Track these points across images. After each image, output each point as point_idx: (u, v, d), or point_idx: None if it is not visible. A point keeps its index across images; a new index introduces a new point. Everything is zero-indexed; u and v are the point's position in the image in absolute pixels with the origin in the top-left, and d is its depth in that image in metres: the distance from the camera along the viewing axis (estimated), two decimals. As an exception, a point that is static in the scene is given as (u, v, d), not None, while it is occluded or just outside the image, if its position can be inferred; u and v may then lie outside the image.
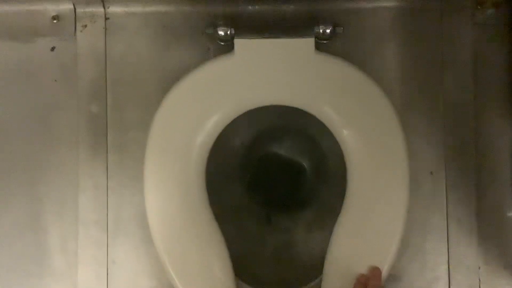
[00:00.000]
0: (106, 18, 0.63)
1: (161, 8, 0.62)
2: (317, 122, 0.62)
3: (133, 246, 0.62)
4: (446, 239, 0.62)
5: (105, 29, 0.63)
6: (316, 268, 0.61)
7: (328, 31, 0.60)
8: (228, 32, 0.59)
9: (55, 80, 0.63)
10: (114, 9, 0.63)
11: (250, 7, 0.62)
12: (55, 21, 0.63)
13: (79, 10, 0.62)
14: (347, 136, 0.59)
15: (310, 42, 0.58)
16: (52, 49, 0.63)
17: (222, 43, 0.62)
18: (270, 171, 0.74)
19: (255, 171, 0.74)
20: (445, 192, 0.62)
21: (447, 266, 0.62)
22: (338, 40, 0.62)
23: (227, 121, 0.60)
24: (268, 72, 0.59)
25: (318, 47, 0.60)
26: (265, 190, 0.73)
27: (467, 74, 0.63)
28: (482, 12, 0.64)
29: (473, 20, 0.63)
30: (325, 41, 0.62)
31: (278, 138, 0.74)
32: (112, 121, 0.62)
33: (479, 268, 0.62)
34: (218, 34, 0.59)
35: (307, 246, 0.69)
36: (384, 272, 0.56)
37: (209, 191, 0.62)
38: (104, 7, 0.62)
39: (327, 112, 0.60)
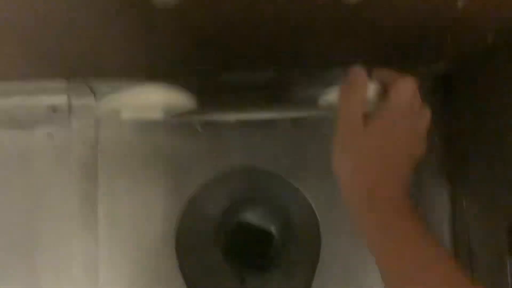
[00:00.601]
0: (97, 109, 0.72)
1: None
2: (283, 189, 0.73)
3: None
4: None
5: (96, 117, 0.72)
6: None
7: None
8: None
9: (51, 163, 0.71)
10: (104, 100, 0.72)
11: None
12: (51, 112, 0.72)
13: (74, 101, 0.72)
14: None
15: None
16: (49, 135, 0.72)
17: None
18: (243, 236, 0.84)
19: (229, 236, 0.83)
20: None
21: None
22: (301, 124, 0.73)
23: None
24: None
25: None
26: (239, 253, 0.82)
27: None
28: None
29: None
30: (289, 124, 0.73)
31: (250, 206, 0.84)
32: (102, 197, 0.71)
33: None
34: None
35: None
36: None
37: (187, 254, 0.72)
38: (95, 99, 0.72)
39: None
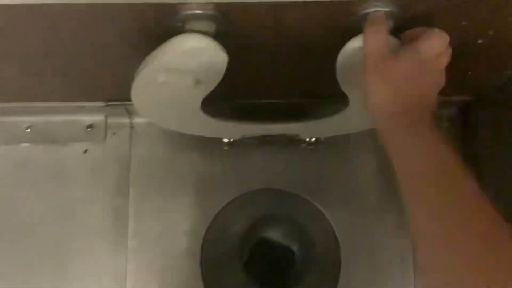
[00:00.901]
0: (131, 127, 0.76)
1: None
2: (305, 210, 0.76)
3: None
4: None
5: (130, 135, 0.76)
6: None
7: (313, 139, 0.74)
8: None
9: (86, 177, 0.75)
10: (137, 120, 0.76)
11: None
12: (88, 129, 0.76)
13: (110, 120, 0.76)
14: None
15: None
16: (85, 151, 0.76)
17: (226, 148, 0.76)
18: (265, 253, 0.86)
19: (251, 253, 0.86)
20: (414, 278, 0.74)
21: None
22: (321, 146, 0.76)
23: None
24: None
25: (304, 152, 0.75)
26: (261, 270, 0.84)
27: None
28: (440, 125, 0.78)
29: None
30: (310, 147, 0.76)
31: (272, 225, 0.86)
32: (133, 212, 0.74)
33: None
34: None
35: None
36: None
37: (210, 272, 0.75)
38: (130, 118, 0.76)
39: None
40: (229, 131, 0.68)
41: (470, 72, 0.63)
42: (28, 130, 0.76)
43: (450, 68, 0.61)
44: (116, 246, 0.74)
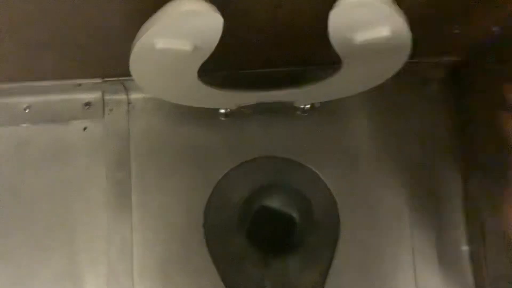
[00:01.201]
0: (129, 103, 0.78)
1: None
2: (303, 175, 0.78)
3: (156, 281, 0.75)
4: (413, 271, 0.76)
5: (128, 111, 0.77)
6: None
7: (308, 106, 0.75)
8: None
9: (87, 154, 0.77)
10: (135, 95, 0.78)
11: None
12: (86, 107, 0.77)
13: (107, 97, 0.77)
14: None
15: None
16: (84, 129, 0.78)
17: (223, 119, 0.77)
18: (265, 221, 0.89)
19: (252, 222, 0.88)
20: (410, 232, 0.76)
21: (415, 292, 0.75)
22: (316, 113, 0.77)
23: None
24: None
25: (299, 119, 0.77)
26: (262, 238, 0.87)
27: (423, 137, 0.78)
28: (429, 87, 0.80)
29: (422, 93, 0.80)
30: (305, 114, 0.78)
31: (271, 193, 0.88)
32: (135, 186, 0.76)
33: (443, 293, 0.75)
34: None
35: (301, 284, 0.82)
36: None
37: (213, 240, 0.77)
38: (127, 95, 0.77)
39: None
40: (225, 100, 0.70)
41: (457, 30, 0.65)
42: (27, 110, 0.77)
43: (437, 24, 0.63)
44: (121, 218, 0.75)
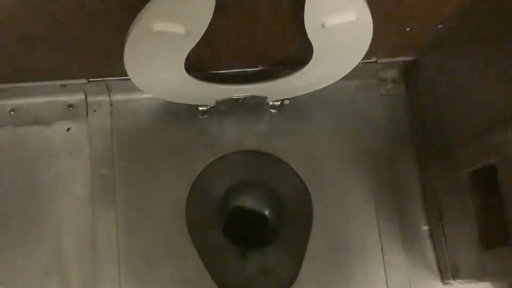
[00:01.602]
0: (111, 104, 0.83)
1: (151, 95, 0.83)
2: (276, 167, 0.84)
3: (140, 276, 0.78)
4: (380, 250, 0.82)
5: (111, 112, 0.82)
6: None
7: (278, 103, 0.83)
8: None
9: (71, 153, 0.81)
10: (116, 97, 0.83)
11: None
12: (70, 109, 0.82)
13: (90, 99, 0.82)
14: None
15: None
16: (68, 129, 0.82)
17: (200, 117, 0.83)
18: (240, 218, 0.94)
19: (227, 221, 0.93)
20: (375, 215, 0.84)
21: (383, 270, 0.82)
22: (285, 110, 0.85)
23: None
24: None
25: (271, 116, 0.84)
26: (238, 232, 0.92)
27: (381, 131, 0.87)
28: (385, 86, 0.89)
29: (379, 92, 0.89)
30: (275, 111, 0.85)
31: (245, 192, 0.94)
32: (119, 181, 0.80)
33: (408, 270, 0.82)
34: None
35: (276, 272, 0.87)
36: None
37: (195, 233, 0.81)
38: (109, 96, 0.82)
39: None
40: (206, 94, 0.76)
41: (408, 28, 0.74)
42: (12, 113, 0.81)
43: (391, 25, 0.72)
44: (106, 212, 0.79)
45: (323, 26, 0.59)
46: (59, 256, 0.78)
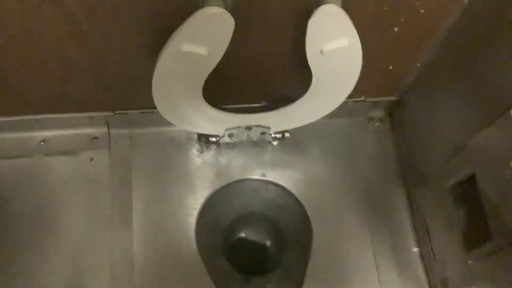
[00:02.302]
0: (131, 137, 0.92)
1: (167, 128, 0.93)
2: (279, 195, 0.93)
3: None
4: (376, 270, 0.89)
5: (130, 143, 0.92)
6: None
7: (279, 135, 0.93)
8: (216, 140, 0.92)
9: (93, 180, 0.89)
10: (136, 130, 0.93)
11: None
12: (94, 140, 0.91)
13: (112, 131, 0.92)
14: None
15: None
16: (91, 159, 0.91)
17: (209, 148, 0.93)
18: (243, 248, 1.01)
19: (231, 250, 1.00)
20: (370, 238, 0.91)
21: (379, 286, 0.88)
22: (286, 142, 0.95)
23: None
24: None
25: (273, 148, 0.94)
26: (241, 263, 0.98)
27: (372, 162, 0.97)
28: (373, 124, 1.01)
29: (368, 129, 1.00)
30: (277, 143, 0.95)
31: (247, 224, 1.02)
32: (136, 204, 0.88)
33: (401, 287, 0.89)
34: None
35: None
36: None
37: (204, 255, 0.88)
38: (129, 129, 0.92)
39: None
40: (217, 122, 0.86)
41: (391, 66, 0.87)
42: (42, 143, 0.90)
43: (377, 64, 0.84)
44: (123, 232, 0.86)
45: (321, 52, 0.71)
46: (77, 275, 0.84)
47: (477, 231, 0.76)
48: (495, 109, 0.64)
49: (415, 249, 0.92)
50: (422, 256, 0.91)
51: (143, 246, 0.86)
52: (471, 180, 0.74)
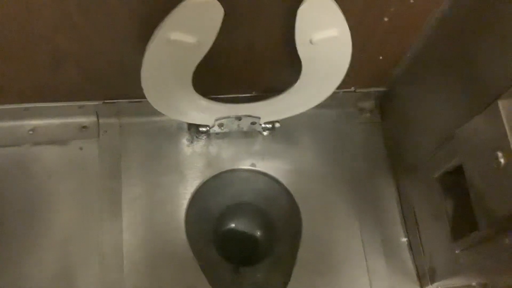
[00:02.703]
0: (120, 126, 0.92)
1: (156, 118, 0.93)
2: (269, 186, 0.93)
3: (144, 284, 0.84)
4: (364, 259, 0.90)
5: (120, 133, 0.92)
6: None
7: (270, 125, 0.93)
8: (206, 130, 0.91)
9: (82, 169, 0.89)
10: (125, 119, 0.92)
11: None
12: (84, 129, 0.91)
13: (101, 121, 0.92)
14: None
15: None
16: (80, 148, 0.90)
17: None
18: (234, 239, 1.01)
19: (222, 241, 1.00)
20: (359, 228, 0.92)
21: (368, 278, 0.88)
22: (277, 131, 0.95)
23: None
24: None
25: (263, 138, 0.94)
26: (232, 253, 0.99)
27: (361, 153, 0.97)
28: (363, 115, 1.01)
29: (358, 120, 1.00)
30: (267, 133, 0.95)
31: (238, 215, 1.02)
32: (125, 193, 0.88)
33: (390, 277, 0.89)
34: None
35: (268, 284, 0.93)
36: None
37: (194, 245, 0.88)
38: (118, 119, 0.92)
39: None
40: (207, 112, 0.86)
41: (381, 57, 0.87)
42: (31, 132, 0.90)
43: (367, 53, 0.84)
44: (112, 221, 0.86)
45: (311, 41, 0.71)
46: (66, 264, 0.84)
47: (464, 221, 0.77)
48: (483, 100, 0.64)
49: (404, 239, 0.92)
50: (410, 246, 0.92)
51: (133, 235, 0.86)
52: (459, 170, 0.74)
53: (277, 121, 0.93)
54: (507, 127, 0.59)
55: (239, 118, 0.89)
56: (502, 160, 0.60)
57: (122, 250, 0.85)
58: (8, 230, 0.84)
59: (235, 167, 0.94)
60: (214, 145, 0.94)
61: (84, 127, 0.91)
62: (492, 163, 0.62)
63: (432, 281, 0.86)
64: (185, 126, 0.94)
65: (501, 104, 0.60)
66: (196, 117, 0.87)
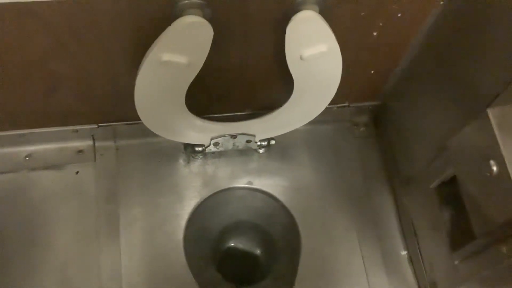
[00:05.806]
0: (116, 149, 0.93)
1: (152, 139, 0.93)
2: (266, 203, 0.93)
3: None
4: (365, 274, 0.89)
5: (116, 155, 0.92)
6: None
7: (265, 143, 0.93)
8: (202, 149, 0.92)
9: (80, 193, 0.89)
10: (121, 142, 0.93)
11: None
12: (80, 153, 0.91)
13: (97, 144, 0.92)
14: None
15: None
16: (77, 173, 0.91)
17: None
18: (234, 257, 1.01)
19: (222, 260, 1.00)
20: (358, 243, 0.91)
21: (368, 289, 0.88)
22: (273, 148, 0.95)
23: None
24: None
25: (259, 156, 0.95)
26: (232, 270, 0.98)
27: (357, 167, 0.98)
28: (358, 130, 1.01)
29: (353, 134, 1.01)
30: (263, 151, 0.95)
31: (237, 233, 1.02)
32: (123, 216, 0.88)
33: (390, 290, 0.89)
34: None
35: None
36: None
37: (193, 266, 0.88)
38: (115, 142, 0.92)
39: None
40: (202, 131, 0.86)
41: (372, 71, 0.88)
42: (27, 158, 0.90)
43: (358, 68, 0.85)
44: (110, 244, 0.86)
45: (301, 58, 0.71)
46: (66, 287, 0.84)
47: (462, 231, 0.76)
48: (473, 109, 0.65)
49: (404, 252, 0.92)
50: (410, 259, 0.91)
51: (131, 258, 0.86)
52: (454, 180, 0.74)
53: (273, 138, 0.93)
54: (497, 135, 0.59)
55: (234, 137, 0.89)
56: (494, 168, 0.60)
57: (120, 273, 0.85)
58: (7, 255, 0.84)
59: (232, 185, 0.94)
60: (211, 164, 0.94)
61: (80, 151, 0.92)
62: (485, 171, 0.62)
63: (434, 294, 0.86)
64: (181, 147, 0.94)
65: (491, 112, 0.60)
66: (191, 137, 0.87)
